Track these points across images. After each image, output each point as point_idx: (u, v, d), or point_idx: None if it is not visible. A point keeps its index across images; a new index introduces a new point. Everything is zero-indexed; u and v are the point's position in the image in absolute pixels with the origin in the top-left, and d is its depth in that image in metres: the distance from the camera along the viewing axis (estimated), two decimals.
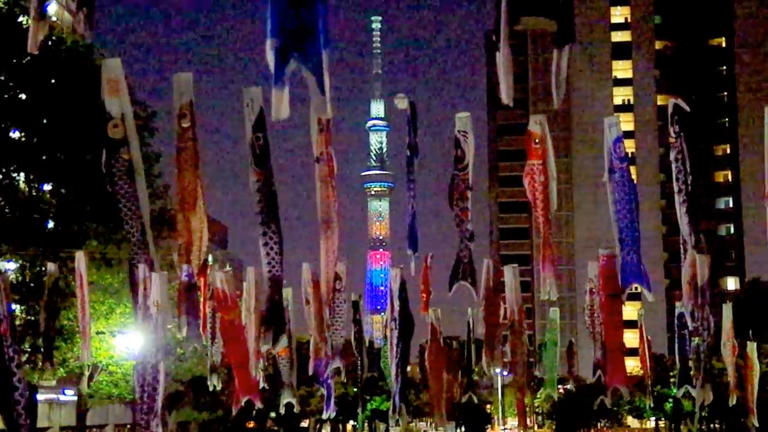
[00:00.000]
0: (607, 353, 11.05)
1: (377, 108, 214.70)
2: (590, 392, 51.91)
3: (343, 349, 13.39)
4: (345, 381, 45.14)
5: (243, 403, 10.85)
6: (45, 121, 23.58)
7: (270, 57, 4.99)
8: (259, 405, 10.82)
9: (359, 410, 48.27)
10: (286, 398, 14.15)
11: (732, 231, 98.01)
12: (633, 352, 21.85)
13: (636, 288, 9.92)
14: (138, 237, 8.57)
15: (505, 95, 5.76)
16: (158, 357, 9.10)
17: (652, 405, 49.25)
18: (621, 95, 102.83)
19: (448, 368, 15.95)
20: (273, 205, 8.99)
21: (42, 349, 14.87)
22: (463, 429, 63.83)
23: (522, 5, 5.68)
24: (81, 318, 11.78)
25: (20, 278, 23.83)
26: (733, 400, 15.78)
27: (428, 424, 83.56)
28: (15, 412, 8.31)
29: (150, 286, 9.63)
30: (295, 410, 14.69)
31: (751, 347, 16.66)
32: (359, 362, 15.29)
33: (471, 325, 16.33)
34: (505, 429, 77.51)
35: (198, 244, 8.79)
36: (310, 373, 12.64)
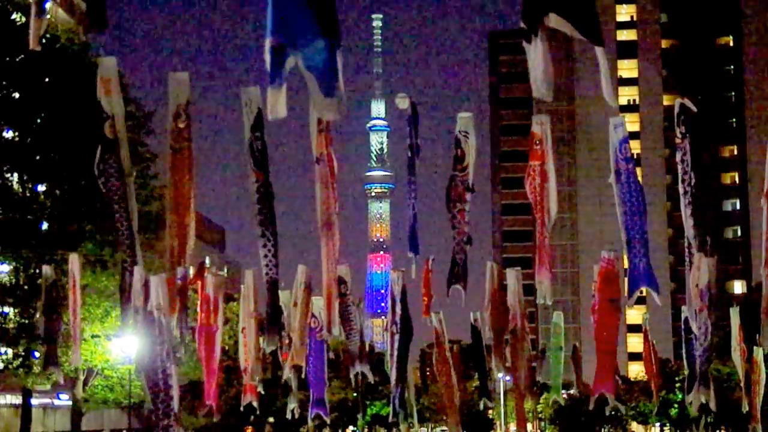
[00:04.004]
0: (598, 358, 10.83)
1: (378, 108, 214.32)
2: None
3: (361, 354, 13.21)
4: (344, 385, 45.02)
5: (208, 408, 10.75)
6: (39, 120, 23.41)
7: (267, 55, 4.84)
8: (213, 417, 10.83)
9: (359, 415, 48.05)
10: (293, 404, 14.00)
11: (739, 234, 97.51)
12: (638, 356, 21.55)
13: (642, 291, 9.71)
14: (127, 239, 8.46)
15: (545, 90, 5.53)
16: (166, 361, 8.98)
17: (656, 410, 48.90)
18: (626, 95, 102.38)
19: (456, 373, 15.74)
20: (271, 206, 8.88)
21: (44, 354, 14.73)
22: None
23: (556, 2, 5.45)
24: (72, 321, 11.70)
25: (14, 281, 23.64)
26: (745, 407, 15.58)
27: (429, 429, 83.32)
28: None
29: (145, 288, 9.47)
30: (295, 415, 14.54)
31: (758, 352, 16.45)
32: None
33: (479, 329, 16.11)
34: None
35: (186, 247, 8.68)
36: (284, 378, 12.47)
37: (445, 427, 71.34)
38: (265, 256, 8.93)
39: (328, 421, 14.48)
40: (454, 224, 10.12)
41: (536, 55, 5.39)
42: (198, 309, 11.45)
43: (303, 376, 13.29)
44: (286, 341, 13.16)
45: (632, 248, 9.36)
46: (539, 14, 5.41)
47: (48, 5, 5.84)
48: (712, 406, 11.02)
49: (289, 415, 13.98)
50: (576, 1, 5.47)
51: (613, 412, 55.50)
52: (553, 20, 5.48)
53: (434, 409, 67.21)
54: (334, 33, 4.82)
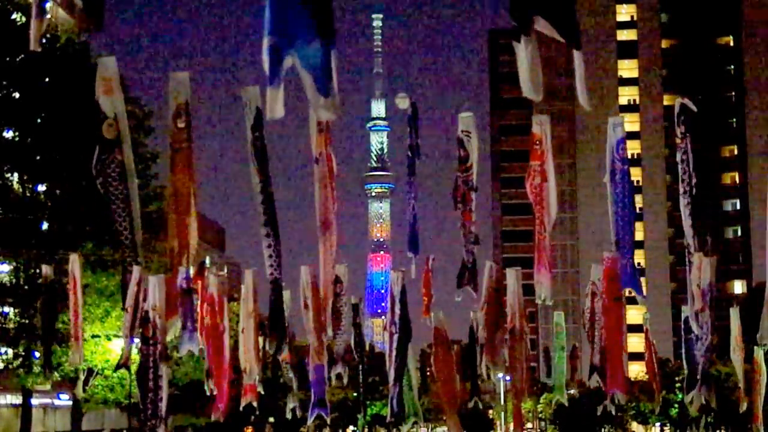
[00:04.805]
0: (607, 358, 10.86)
1: (378, 108, 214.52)
2: (594, 397, 51.61)
3: (345, 354, 13.24)
4: (345, 385, 45.08)
5: (220, 412, 10.74)
6: (39, 120, 23.44)
7: (264, 55, 4.83)
8: (220, 418, 10.83)
9: (359, 415, 48.02)
10: (292, 403, 14.03)
11: (739, 234, 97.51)
12: (638, 356, 21.53)
13: (630, 292, 9.76)
14: (128, 239, 8.46)
15: (533, 90, 5.54)
16: (159, 362, 8.99)
17: (658, 410, 48.94)
18: (626, 95, 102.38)
19: (456, 373, 15.75)
20: (273, 206, 8.89)
21: (44, 354, 14.73)
22: None
23: (538, 4, 5.47)
24: (73, 321, 11.69)
25: (14, 281, 23.65)
26: (743, 407, 15.60)
27: (429, 429, 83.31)
28: None
29: (145, 289, 9.47)
30: (297, 414, 14.55)
31: (758, 352, 16.45)
32: (359, 366, 15.14)
33: (475, 329, 16.09)
34: None
35: (188, 247, 8.68)
36: (311, 378, 12.52)
37: (445, 427, 71.29)
38: (270, 256, 8.93)
39: (329, 421, 14.48)
40: (461, 225, 10.13)
41: (525, 55, 5.41)
42: (198, 309, 11.42)
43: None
44: (286, 341, 13.16)
45: (621, 249, 9.41)
46: (527, 15, 5.44)
47: (48, 5, 5.84)
48: (714, 405, 11.05)
49: (289, 415, 14.02)
50: (556, 4, 5.49)
51: (612, 412, 55.43)
52: (539, 23, 5.51)
53: (434, 409, 67.15)
54: (328, 33, 4.82)
